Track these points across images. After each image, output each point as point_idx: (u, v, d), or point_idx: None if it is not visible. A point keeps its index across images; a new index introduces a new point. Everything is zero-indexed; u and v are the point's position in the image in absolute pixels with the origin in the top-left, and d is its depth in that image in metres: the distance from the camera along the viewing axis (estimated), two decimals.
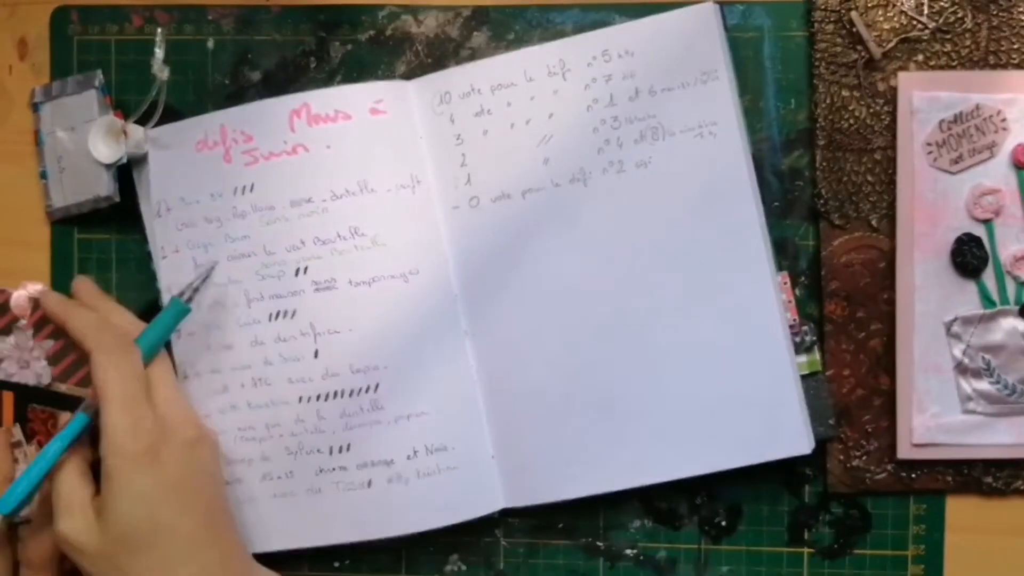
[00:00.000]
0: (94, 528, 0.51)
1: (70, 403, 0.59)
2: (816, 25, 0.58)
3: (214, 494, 0.54)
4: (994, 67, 0.58)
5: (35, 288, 0.59)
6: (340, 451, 0.59)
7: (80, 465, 0.53)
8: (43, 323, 0.60)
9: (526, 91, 0.58)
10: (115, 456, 0.51)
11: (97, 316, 0.55)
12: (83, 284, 0.59)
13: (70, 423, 0.53)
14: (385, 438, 0.58)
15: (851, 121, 0.58)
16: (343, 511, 0.59)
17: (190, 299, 0.57)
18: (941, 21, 0.58)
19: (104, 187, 0.60)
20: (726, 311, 0.57)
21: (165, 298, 0.60)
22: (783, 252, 0.59)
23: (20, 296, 0.59)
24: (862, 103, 0.58)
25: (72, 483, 0.52)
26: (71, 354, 0.60)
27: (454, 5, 0.60)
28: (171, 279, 0.60)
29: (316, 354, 0.59)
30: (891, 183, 0.58)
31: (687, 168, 0.57)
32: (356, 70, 0.61)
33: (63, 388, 0.60)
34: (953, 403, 0.58)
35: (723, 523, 0.60)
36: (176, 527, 0.51)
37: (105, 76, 0.60)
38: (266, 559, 0.60)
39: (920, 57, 0.58)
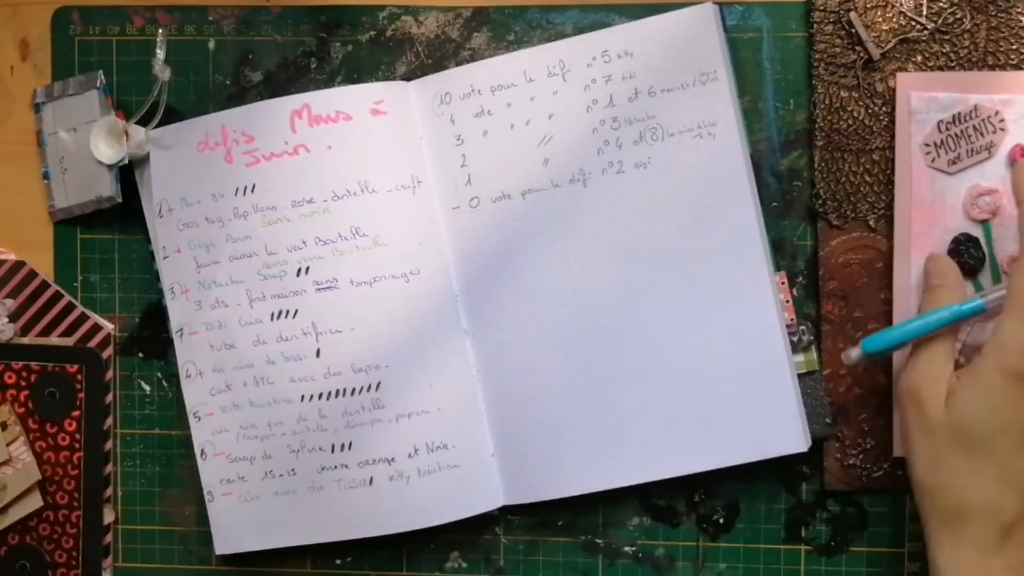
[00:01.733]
0: (940, 404, 0.51)
1: (34, 353, 0.61)
2: (815, 26, 0.58)
3: None
4: (992, 68, 0.58)
5: None
6: (342, 449, 0.59)
7: (951, 342, 0.53)
8: (1, 283, 0.61)
9: (526, 92, 0.58)
10: (995, 364, 0.50)
11: None
12: None
13: (969, 302, 0.53)
14: (386, 436, 0.59)
15: (849, 122, 0.58)
16: (345, 509, 0.59)
17: None
18: (940, 22, 0.58)
19: (106, 187, 0.60)
20: (724, 310, 0.57)
21: (167, 297, 0.61)
22: (781, 252, 0.59)
23: None
24: (861, 104, 0.58)
25: (941, 351, 0.52)
26: (30, 309, 0.62)
27: (454, 6, 0.60)
28: (173, 279, 0.61)
29: (318, 353, 0.59)
30: (889, 183, 0.58)
31: (686, 169, 0.58)
32: (357, 71, 0.61)
33: (26, 341, 0.61)
34: None
35: (721, 520, 0.60)
36: (1006, 454, 0.50)
37: (106, 77, 0.61)
38: (269, 556, 0.61)
39: (919, 58, 0.58)
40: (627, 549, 0.61)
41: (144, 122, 0.60)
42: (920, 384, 0.52)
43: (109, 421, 0.63)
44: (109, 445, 0.63)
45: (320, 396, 0.59)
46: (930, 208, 0.58)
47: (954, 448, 0.51)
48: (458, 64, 0.60)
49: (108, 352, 0.63)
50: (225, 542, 0.61)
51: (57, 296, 0.62)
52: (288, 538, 0.60)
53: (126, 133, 0.59)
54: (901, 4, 0.58)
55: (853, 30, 0.58)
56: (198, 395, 0.61)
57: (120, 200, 0.60)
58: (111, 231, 0.62)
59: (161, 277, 0.61)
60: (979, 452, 0.50)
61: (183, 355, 0.61)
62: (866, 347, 0.54)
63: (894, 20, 0.58)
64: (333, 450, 0.59)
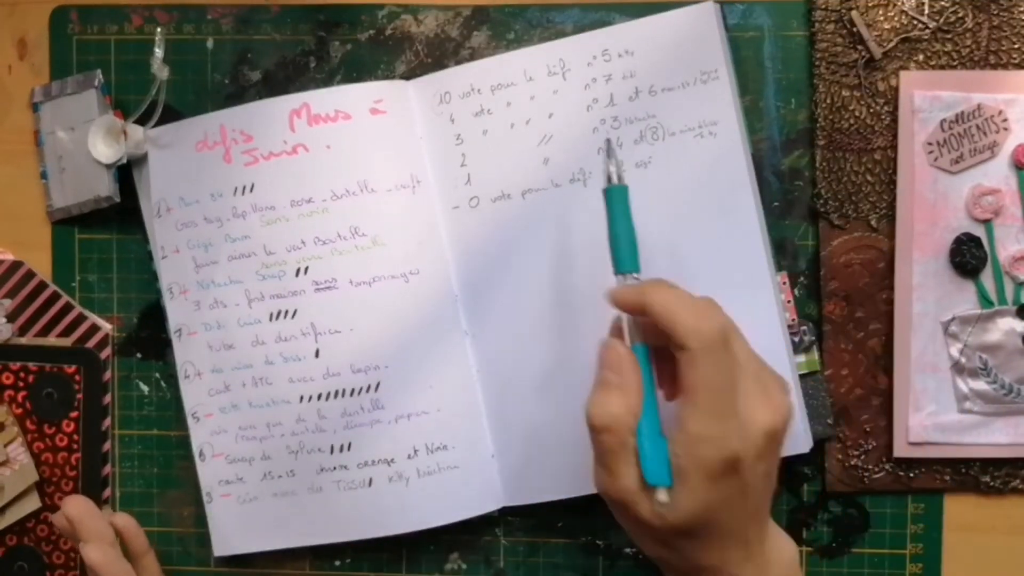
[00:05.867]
0: (651, 508, 0.48)
1: (31, 354, 0.61)
2: (816, 25, 0.58)
3: (768, 483, 0.50)
4: (994, 67, 0.57)
5: None
6: (341, 450, 0.59)
7: (631, 441, 0.49)
8: None
9: (526, 91, 0.58)
10: (694, 468, 0.47)
11: (686, 300, 0.48)
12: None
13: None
14: (386, 437, 0.59)
15: (851, 121, 0.58)
16: (344, 510, 0.59)
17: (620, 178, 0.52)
18: (942, 21, 0.58)
19: (104, 187, 0.60)
20: (725, 310, 0.57)
21: (166, 298, 0.60)
22: (782, 252, 0.59)
23: None
24: (862, 103, 0.58)
25: (630, 461, 0.48)
26: (28, 309, 0.61)
27: (454, 5, 0.60)
28: (171, 279, 0.60)
29: (317, 354, 0.59)
30: (891, 183, 0.58)
31: (687, 168, 0.57)
32: (356, 70, 0.61)
33: (24, 341, 0.61)
34: (950, 402, 0.58)
35: None
36: (728, 524, 0.48)
37: (105, 76, 0.61)
38: (267, 557, 0.61)
39: (920, 57, 0.58)
40: (627, 551, 0.61)
41: (142, 121, 0.60)
42: (623, 496, 0.49)
43: (107, 422, 0.63)
44: (107, 446, 0.63)
45: (319, 397, 0.59)
46: (932, 208, 0.58)
47: (679, 537, 0.49)
48: (458, 63, 0.60)
49: (106, 352, 0.62)
50: (223, 544, 0.61)
51: (55, 296, 0.62)
52: (287, 540, 0.60)
53: (124, 132, 0.59)
54: (903, 3, 0.58)
55: (854, 29, 0.58)
56: (196, 396, 0.61)
57: (118, 200, 0.60)
58: (109, 231, 0.62)
59: (159, 277, 0.61)
60: (704, 534, 0.49)
61: (181, 355, 0.61)
62: (652, 480, 0.48)
63: (896, 19, 0.58)
64: (332, 451, 0.59)
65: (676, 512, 0.48)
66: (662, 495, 0.48)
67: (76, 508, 0.56)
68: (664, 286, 0.49)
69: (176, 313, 0.61)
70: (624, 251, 0.52)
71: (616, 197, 0.52)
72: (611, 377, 0.49)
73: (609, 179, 0.53)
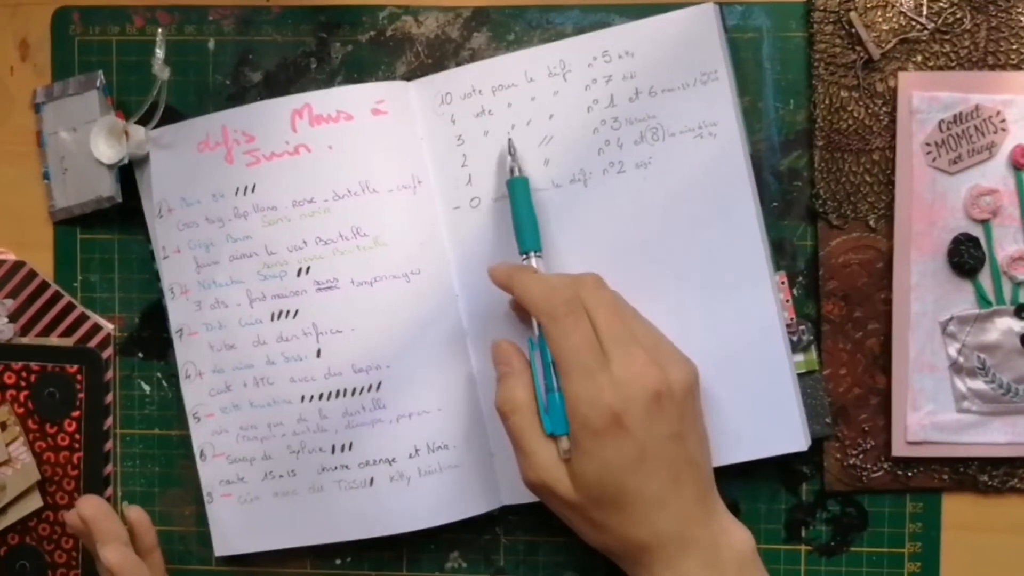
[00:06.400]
0: (568, 485, 0.52)
1: (33, 354, 0.62)
2: (815, 26, 0.58)
3: (678, 448, 0.52)
4: (992, 68, 0.58)
5: None
6: (342, 450, 0.59)
7: (537, 420, 0.53)
8: (1, 283, 0.61)
9: (526, 92, 0.58)
10: (580, 429, 0.51)
11: (542, 281, 0.54)
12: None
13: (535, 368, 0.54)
14: (387, 437, 0.59)
15: (850, 122, 0.58)
16: (345, 509, 0.59)
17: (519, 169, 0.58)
18: (940, 22, 0.58)
19: (106, 187, 0.60)
20: (724, 310, 0.57)
21: (167, 298, 0.61)
22: (781, 252, 0.59)
23: None
24: (861, 104, 0.58)
25: (542, 440, 0.53)
26: (30, 309, 0.62)
27: (454, 6, 0.60)
28: (172, 279, 0.61)
29: (318, 353, 0.59)
30: (889, 183, 0.58)
31: (687, 169, 0.58)
32: (357, 71, 0.61)
33: (26, 341, 0.62)
34: (948, 402, 0.58)
35: None
36: (641, 490, 0.51)
37: (106, 77, 0.61)
38: (268, 556, 0.61)
39: (919, 58, 0.58)
40: None
41: (144, 122, 0.60)
42: (541, 476, 0.52)
43: (109, 421, 0.63)
44: (109, 445, 0.63)
45: (320, 396, 0.59)
46: (930, 208, 0.58)
47: (601, 509, 0.52)
48: (458, 64, 0.60)
49: (108, 352, 0.63)
50: (224, 544, 0.61)
51: (57, 296, 0.62)
52: (288, 539, 0.60)
53: (126, 133, 0.59)
54: (901, 4, 0.58)
55: (853, 30, 0.58)
56: (197, 396, 0.61)
57: (120, 200, 0.60)
58: (111, 231, 0.62)
59: (161, 277, 0.61)
60: (622, 500, 0.51)
61: (183, 355, 0.61)
62: (550, 429, 0.53)
63: (894, 20, 0.58)
64: (333, 451, 0.59)
65: (581, 477, 0.51)
66: (564, 443, 0.52)
67: (91, 508, 0.56)
68: (530, 270, 0.55)
69: (177, 313, 0.61)
70: (526, 232, 0.56)
71: (518, 188, 0.57)
72: (503, 369, 0.55)
73: (512, 171, 0.57)
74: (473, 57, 0.60)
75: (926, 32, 0.58)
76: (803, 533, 0.60)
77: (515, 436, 0.53)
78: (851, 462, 0.59)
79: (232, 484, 0.60)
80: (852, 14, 0.58)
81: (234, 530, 0.61)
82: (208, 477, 0.61)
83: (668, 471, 0.51)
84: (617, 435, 0.50)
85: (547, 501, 0.54)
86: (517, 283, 0.54)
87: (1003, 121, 0.57)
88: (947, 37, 0.58)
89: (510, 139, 0.58)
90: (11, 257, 0.62)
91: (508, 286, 0.55)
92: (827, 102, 0.58)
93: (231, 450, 0.60)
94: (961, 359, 0.58)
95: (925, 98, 0.57)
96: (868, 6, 0.58)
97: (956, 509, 0.59)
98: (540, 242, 0.56)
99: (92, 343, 0.62)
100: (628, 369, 0.51)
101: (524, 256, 0.56)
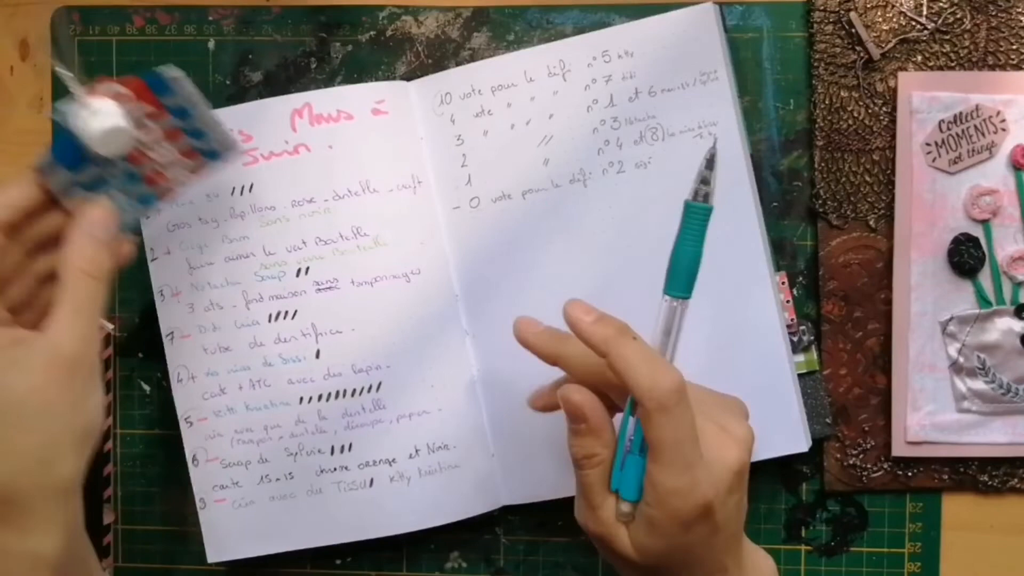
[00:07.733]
0: (628, 545, 0.49)
1: None
2: (815, 26, 0.58)
3: (740, 510, 0.50)
4: (992, 68, 0.58)
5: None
6: (342, 451, 0.59)
7: (606, 478, 0.50)
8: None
9: (526, 92, 0.58)
10: (669, 518, 0.47)
11: (648, 361, 0.48)
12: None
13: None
14: (387, 437, 0.59)
15: (850, 122, 0.58)
16: (344, 511, 0.59)
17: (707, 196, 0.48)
18: (940, 22, 0.58)
19: None
20: (725, 310, 0.57)
21: (157, 300, 0.60)
22: (781, 252, 0.59)
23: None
24: (861, 104, 0.58)
25: (606, 497, 0.50)
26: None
27: (454, 6, 0.60)
28: (163, 281, 0.60)
29: (318, 354, 0.59)
30: (889, 183, 0.58)
31: (687, 168, 0.57)
32: (357, 71, 0.61)
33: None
34: (948, 402, 0.58)
35: None
36: (707, 559, 0.49)
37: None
38: (268, 556, 0.61)
39: (919, 58, 0.58)
40: None
41: None
42: (602, 530, 0.50)
43: (109, 421, 0.63)
44: (109, 445, 0.63)
45: (320, 398, 0.59)
46: (930, 208, 0.58)
47: (658, 573, 0.50)
48: (458, 64, 0.60)
49: (108, 352, 0.62)
50: (218, 550, 0.60)
51: None
52: (285, 543, 0.60)
53: None
54: (901, 4, 0.58)
55: (853, 30, 0.58)
56: (189, 400, 0.60)
57: None
58: None
59: (152, 278, 0.60)
60: (681, 568, 0.49)
61: (174, 359, 0.60)
62: (615, 486, 0.49)
63: (894, 20, 0.58)
64: (333, 452, 0.59)
65: (651, 554, 0.48)
66: (624, 506, 0.49)
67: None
68: (627, 339, 0.48)
69: (168, 316, 0.60)
70: (685, 273, 0.49)
71: (697, 217, 0.48)
72: (579, 428, 0.50)
73: (696, 194, 0.48)
74: (473, 57, 0.60)
75: (926, 32, 0.58)
76: (803, 533, 0.60)
77: (586, 487, 0.50)
78: (851, 462, 0.59)
79: (226, 489, 0.60)
80: (852, 14, 0.58)
81: (228, 535, 0.60)
82: (200, 483, 0.60)
83: (729, 534, 0.50)
84: (704, 523, 0.48)
85: (597, 546, 0.52)
86: (617, 357, 0.48)
87: (1003, 121, 0.57)
88: (947, 37, 0.58)
89: (714, 153, 0.48)
90: None
91: (603, 352, 0.48)
92: (827, 102, 0.58)
93: (225, 454, 0.60)
94: (961, 359, 0.58)
95: (925, 98, 0.57)
96: (868, 6, 0.58)
97: (956, 509, 0.59)
98: (693, 289, 0.49)
99: None
100: (718, 453, 0.48)
101: (670, 300, 0.49)
